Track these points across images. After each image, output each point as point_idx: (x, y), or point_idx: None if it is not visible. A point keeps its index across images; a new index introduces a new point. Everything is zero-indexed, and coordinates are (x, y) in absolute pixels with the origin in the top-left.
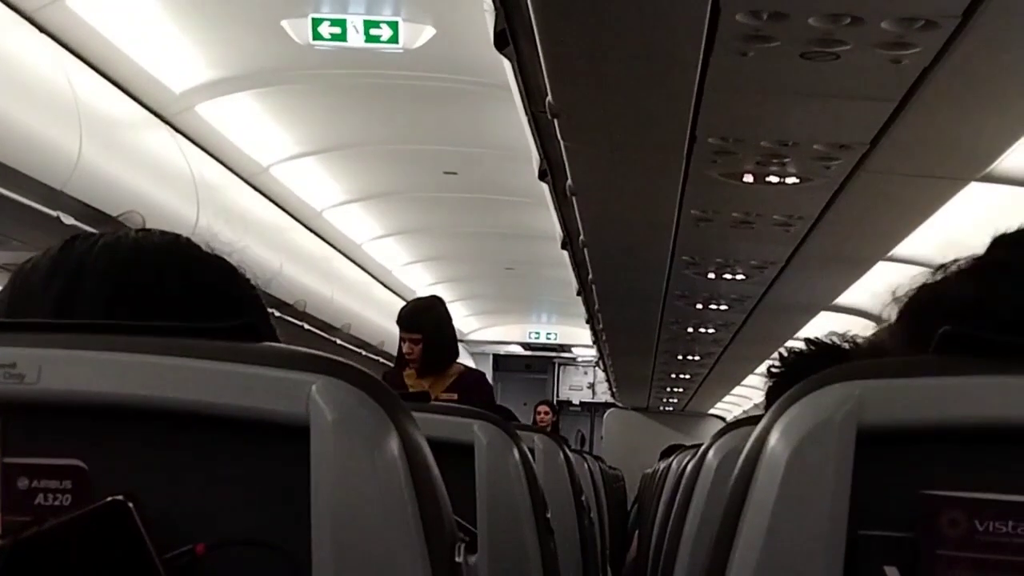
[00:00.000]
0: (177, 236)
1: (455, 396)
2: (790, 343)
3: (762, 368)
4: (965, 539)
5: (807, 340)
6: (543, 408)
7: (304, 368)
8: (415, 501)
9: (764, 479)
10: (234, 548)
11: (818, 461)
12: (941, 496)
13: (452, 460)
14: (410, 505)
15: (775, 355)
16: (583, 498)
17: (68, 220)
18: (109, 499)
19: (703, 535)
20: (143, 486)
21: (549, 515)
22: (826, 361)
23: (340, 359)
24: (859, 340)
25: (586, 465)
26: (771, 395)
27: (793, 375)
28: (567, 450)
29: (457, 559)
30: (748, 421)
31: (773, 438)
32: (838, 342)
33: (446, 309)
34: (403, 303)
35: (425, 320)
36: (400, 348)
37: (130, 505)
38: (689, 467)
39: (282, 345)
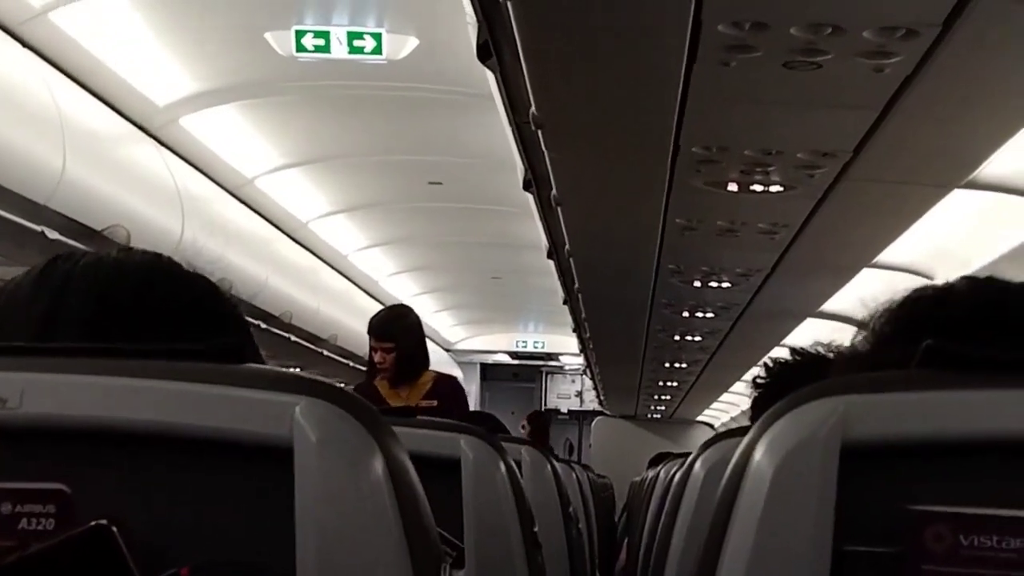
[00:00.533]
0: (158, 255)
1: (435, 403)
2: (776, 350)
3: (749, 375)
4: (950, 554)
5: (792, 350)
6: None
7: (287, 389)
8: (400, 520)
9: (749, 495)
10: (219, 570)
11: (803, 477)
12: (926, 511)
13: (438, 475)
14: (395, 524)
15: (760, 364)
16: (571, 509)
17: (52, 235)
18: (93, 523)
19: (690, 546)
20: (127, 509)
21: (536, 529)
22: (810, 371)
23: (323, 380)
24: (843, 349)
25: (574, 475)
26: (756, 405)
27: (778, 385)
28: (554, 461)
29: None
30: (734, 432)
31: (758, 454)
32: (823, 351)
33: (417, 317)
34: None
35: (397, 329)
36: (371, 358)
37: (114, 529)
38: (676, 478)
39: (265, 366)
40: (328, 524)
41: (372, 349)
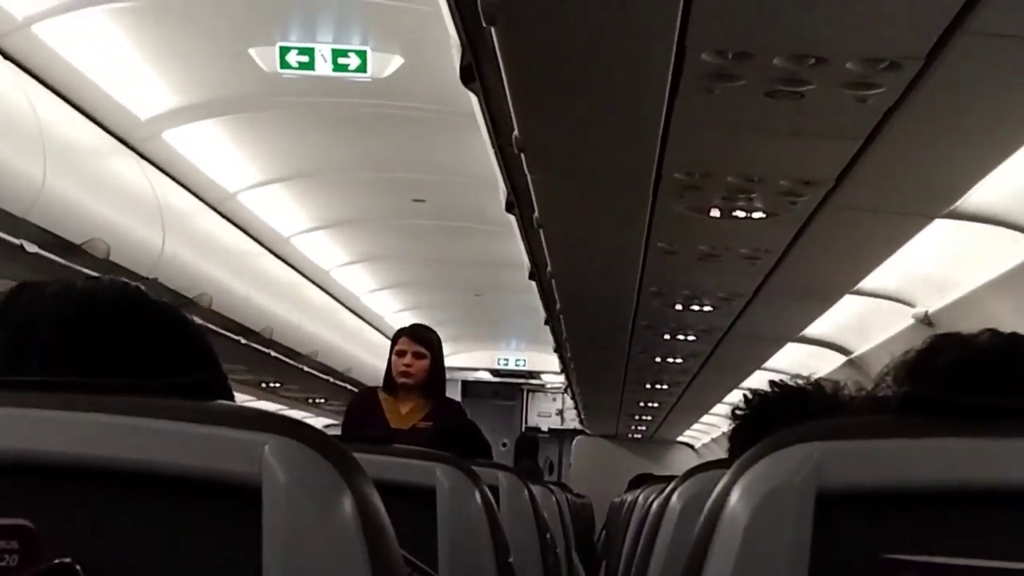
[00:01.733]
0: (126, 284)
1: (431, 424)
2: (758, 374)
3: (730, 397)
4: None
5: (771, 383)
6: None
7: (257, 427)
8: (369, 562)
9: (724, 538)
10: None
11: (777, 523)
12: (897, 559)
13: (414, 503)
14: (363, 565)
15: (740, 393)
16: (548, 536)
17: (32, 248)
18: (56, 561)
19: None
20: (92, 547)
21: (511, 559)
22: (790, 403)
23: (293, 418)
24: (822, 382)
25: (553, 498)
26: (735, 437)
27: (757, 417)
28: (531, 486)
29: None
30: (712, 465)
31: (733, 498)
32: (802, 384)
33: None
34: (372, 329)
35: (435, 338)
36: (390, 366)
37: (77, 567)
38: (654, 508)
39: (233, 404)
40: (296, 564)
41: (397, 354)
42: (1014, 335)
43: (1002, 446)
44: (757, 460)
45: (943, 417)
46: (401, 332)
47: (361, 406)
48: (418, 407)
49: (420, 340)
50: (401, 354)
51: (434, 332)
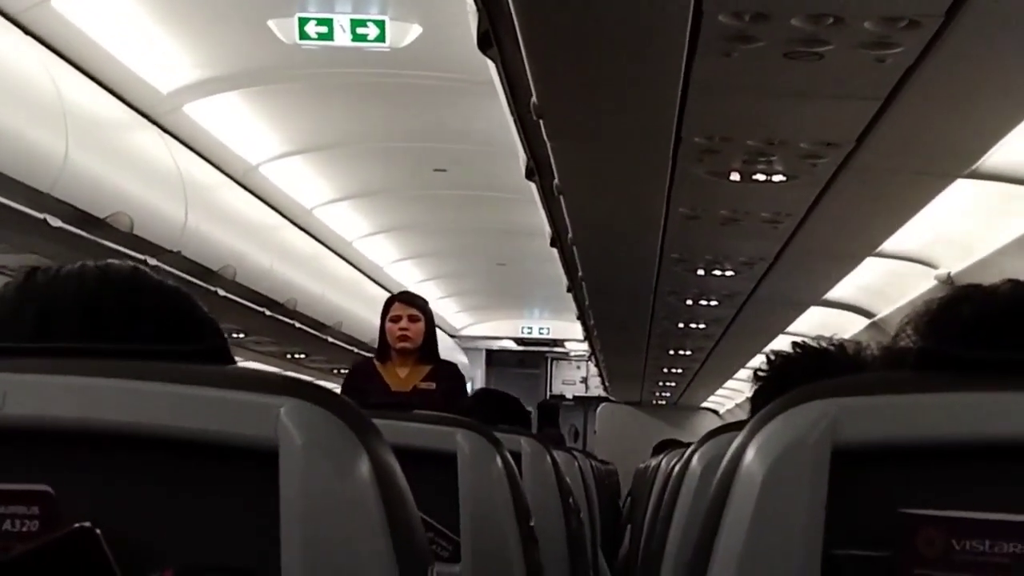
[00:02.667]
0: (136, 267)
1: (433, 386)
2: (781, 338)
3: (754, 362)
4: (942, 558)
5: (793, 343)
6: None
7: (272, 391)
8: (386, 524)
9: (739, 497)
10: (203, 573)
11: (793, 480)
12: (918, 515)
13: (435, 469)
14: (381, 526)
15: (763, 355)
16: (571, 500)
17: (55, 223)
18: (76, 525)
19: (686, 541)
20: (111, 511)
21: (533, 523)
22: (812, 364)
23: (309, 380)
24: (845, 343)
25: (576, 463)
26: (756, 399)
27: (779, 379)
28: (554, 452)
29: None
30: (732, 426)
31: (749, 456)
32: (824, 345)
33: None
34: None
35: (426, 304)
36: (384, 333)
37: (97, 532)
38: (675, 470)
39: (250, 367)
40: (313, 526)
41: (392, 320)
42: None
43: (1015, 399)
44: (773, 417)
45: (959, 371)
46: (393, 298)
47: (359, 375)
48: (415, 371)
49: (414, 304)
50: (396, 319)
51: (422, 298)
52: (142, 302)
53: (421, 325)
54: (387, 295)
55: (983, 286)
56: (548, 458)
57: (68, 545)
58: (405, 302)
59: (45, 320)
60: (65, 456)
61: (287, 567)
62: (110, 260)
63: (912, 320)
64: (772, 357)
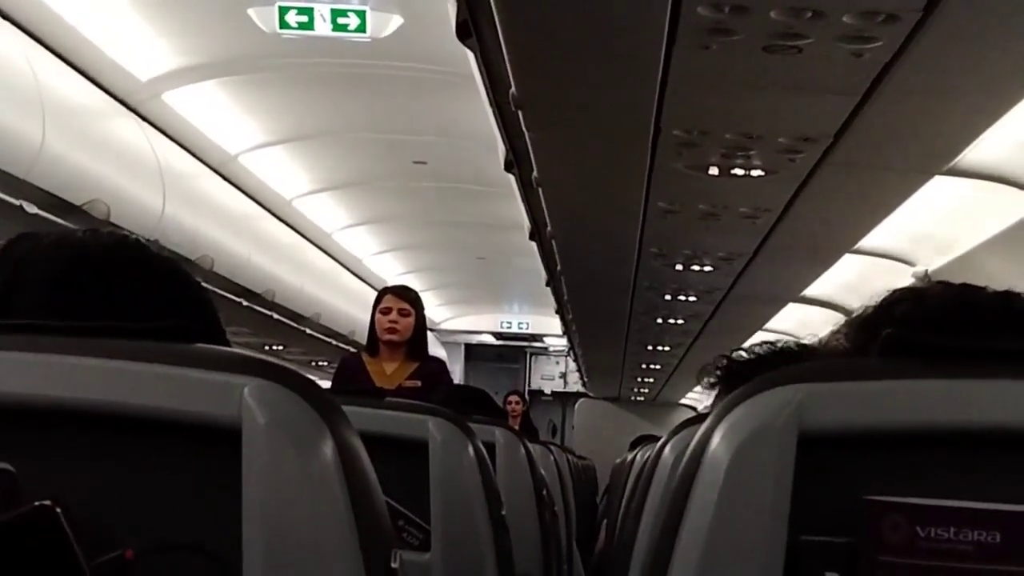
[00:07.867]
0: (125, 236)
1: (419, 383)
2: (759, 335)
3: None
4: (907, 545)
5: (763, 342)
6: (514, 398)
7: (236, 370)
8: (350, 507)
9: (705, 481)
10: (164, 551)
11: (758, 464)
12: (883, 501)
13: (407, 457)
14: (344, 508)
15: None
16: (544, 492)
17: (31, 209)
18: (36, 503)
19: (657, 531)
20: (72, 489)
21: (504, 512)
22: (780, 364)
23: (273, 361)
24: (822, 345)
25: (552, 457)
26: (721, 395)
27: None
28: (528, 444)
29: (393, 565)
30: (705, 417)
31: (715, 441)
32: (792, 345)
33: None
34: (374, 292)
35: (418, 299)
36: (374, 325)
37: (58, 510)
38: (649, 461)
39: (214, 347)
40: (276, 507)
41: (382, 312)
42: (965, 286)
43: (981, 387)
44: (740, 403)
45: (925, 359)
46: (385, 290)
47: (347, 370)
48: (403, 367)
49: (405, 298)
50: (386, 311)
51: (414, 291)
52: (119, 277)
53: (411, 320)
54: (365, 288)
55: (916, 288)
56: (522, 449)
57: (28, 523)
58: (397, 295)
59: (12, 292)
60: (25, 434)
61: (248, 546)
62: (98, 229)
63: (849, 321)
64: (730, 357)
